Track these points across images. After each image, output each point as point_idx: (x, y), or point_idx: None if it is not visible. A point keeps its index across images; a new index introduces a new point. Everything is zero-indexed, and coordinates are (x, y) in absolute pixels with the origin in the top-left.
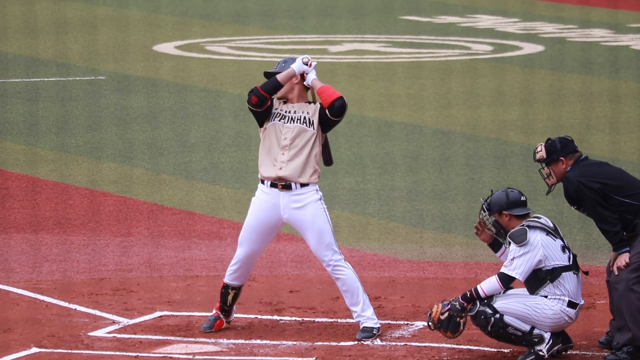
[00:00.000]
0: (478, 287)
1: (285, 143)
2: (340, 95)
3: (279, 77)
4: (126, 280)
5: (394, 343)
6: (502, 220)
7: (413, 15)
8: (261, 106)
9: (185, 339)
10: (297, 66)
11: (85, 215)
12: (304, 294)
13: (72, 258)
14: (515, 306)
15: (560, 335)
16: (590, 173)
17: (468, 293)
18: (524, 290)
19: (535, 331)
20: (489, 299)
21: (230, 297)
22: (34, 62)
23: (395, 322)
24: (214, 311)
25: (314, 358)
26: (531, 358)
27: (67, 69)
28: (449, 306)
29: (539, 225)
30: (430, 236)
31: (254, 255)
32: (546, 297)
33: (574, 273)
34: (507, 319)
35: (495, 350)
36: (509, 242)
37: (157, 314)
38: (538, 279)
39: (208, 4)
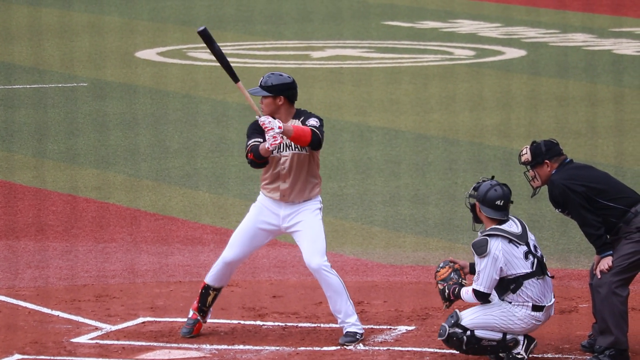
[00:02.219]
0: (462, 291)
1: (284, 172)
2: (311, 135)
3: (261, 150)
4: (108, 287)
5: (376, 347)
6: (477, 208)
7: (394, 21)
8: (265, 165)
9: (168, 345)
10: (270, 144)
11: (67, 222)
12: (286, 299)
13: (54, 264)
14: (483, 318)
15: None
16: (575, 176)
17: (456, 290)
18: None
19: (509, 336)
20: (457, 318)
21: (210, 298)
22: (12, 69)
23: (377, 327)
24: (192, 313)
25: None
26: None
27: (46, 76)
28: (442, 287)
29: (500, 233)
30: (412, 240)
31: (240, 259)
32: (510, 303)
33: (537, 279)
34: (479, 333)
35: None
36: (473, 252)
37: (140, 320)
38: (503, 285)
39: (187, 11)
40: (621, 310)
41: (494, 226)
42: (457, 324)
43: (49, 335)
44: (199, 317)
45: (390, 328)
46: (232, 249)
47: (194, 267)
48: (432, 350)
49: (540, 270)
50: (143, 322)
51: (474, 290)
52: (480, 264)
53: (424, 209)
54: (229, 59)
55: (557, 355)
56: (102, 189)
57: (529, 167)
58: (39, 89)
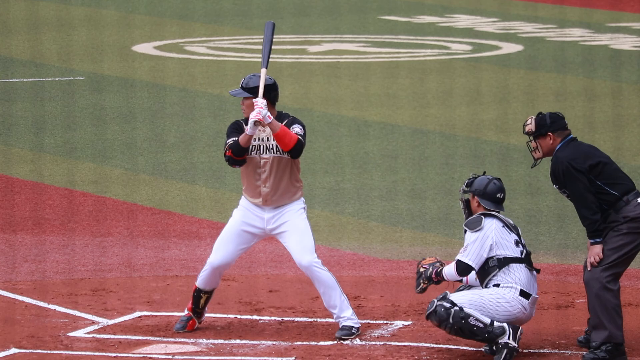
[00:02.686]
0: (445, 268)
1: (265, 175)
2: (296, 142)
3: (241, 141)
4: (105, 281)
5: (373, 342)
6: (472, 203)
7: (392, 15)
8: (243, 163)
9: (165, 339)
10: (250, 128)
11: (64, 216)
12: (283, 294)
13: (51, 258)
14: (470, 297)
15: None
16: (581, 155)
17: (439, 269)
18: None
19: (496, 323)
20: (444, 294)
21: (202, 301)
22: (10, 63)
23: (374, 322)
24: (186, 311)
25: (294, 358)
26: (504, 352)
27: (43, 69)
28: (425, 269)
29: (496, 215)
30: (409, 235)
31: (227, 263)
32: (498, 285)
33: (526, 267)
34: (468, 310)
35: (474, 349)
36: (465, 230)
37: (137, 314)
38: (488, 268)
39: (184, 4)
40: (614, 305)
41: (490, 210)
42: (445, 298)
43: (45, 329)
44: (192, 316)
45: (387, 323)
46: (217, 253)
47: (191, 262)
48: (428, 345)
49: (529, 261)
50: (140, 316)
51: (457, 262)
52: (470, 238)
53: (421, 203)
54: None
55: (553, 351)
56: (99, 182)
57: (531, 137)
58: (36, 83)
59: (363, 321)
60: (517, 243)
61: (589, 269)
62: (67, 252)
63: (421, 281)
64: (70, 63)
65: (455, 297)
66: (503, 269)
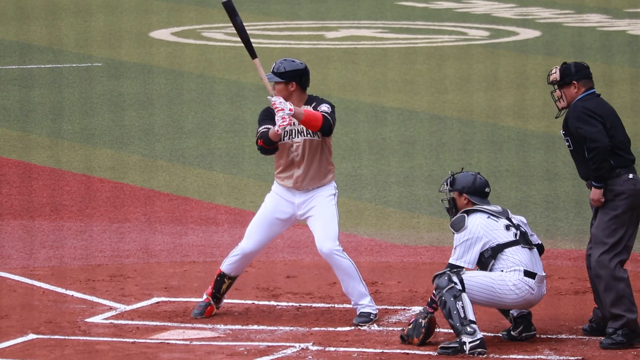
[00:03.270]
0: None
1: (297, 159)
2: (322, 121)
3: (271, 135)
4: (123, 267)
5: (390, 328)
6: (460, 201)
7: (409, 1)
8: (274, 152)
9: (183, 325)
10: (278, 125)
11: (82, 202)
12: (300, 280)
13: (68, 244)
14: (481, 279)
15: (521, 322)
16: (598, 108)
17: (430, 298)
18: None
19: (474, 325)
20: (459, 269)
21: (224, 286)
22: (28, 49)
23: (392, 307)
24: (205, 297)
25: (311, 343)
26: (453, 347)
27: (61, 56)
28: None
29: (478, 209)
30: (427, 221)
31: (258, 249)
32: (502, 271)
33: (523, 247)
34: (464, 296)
35: (492, 335)
36: (452, 232)
37: (154, 300)
38: (485, 259)
39: None
40: (627, 293)
41: (474, 206)
42: (459, 273)
43: (63, 315)
44: (211, 301)
45: (405, 309)
46: (250, 240)
47: (208, 247)
48: (446, 330)
49: (524, 240)
50: (157, 302)
51: (449, 265)
52: (459, 239)
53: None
54: None
55: (571, 336)
56: (116, 169)
57: (556, 86)
58: (54, 69)
59: (380, 307)
60: (507, 227)
61: (592, 205)
62: (84, 238)
63: (420, 320)
64: (88, 49)
65: (469, 276)
66: (498, 255)
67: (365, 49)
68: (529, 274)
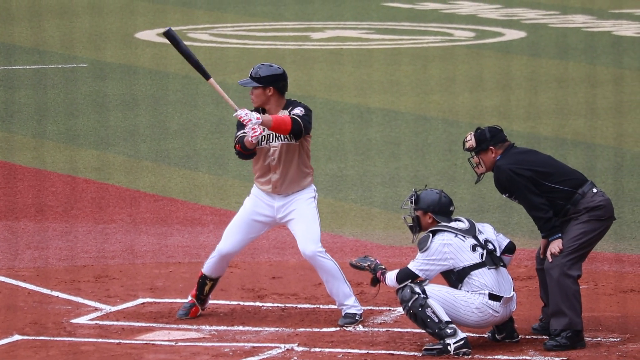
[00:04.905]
0: (387, 275)
1: (274, 164)
2: (292, 124)
3: (245, 141)
4: (108, 267)
5: (375, 329)
6: (424, 219)
7: (394, 2)
8: (252, 157)
9: (168, 326)
10: (250, 137)
11: (66, 203)
12: (285, 281)
13: (53, 245)
14: (444, 295)
15: (504, 330)
16: (521, 161)
17: (386, 270)
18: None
19: (451, 325)
20: (422, 281)
21: (207, 288)
22: (13, 50)
23: (377, 308)
24: (190, 298)
25: (296, 344)
26: (437, 348)
27: (46, 56)
28: (369, 263)
29: (446, 229)
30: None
31: (235, 251)
32: (468, 292)
33: (489, 268)
34: (430, 302)
35: (477, 335)
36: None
37: (139, 300)
38: (453, 281)
39: None
40: (574, 291)
41: (439, 224)
42: (421, 284)
43: (48, 316)
44: (196, 302)
45: (390, 309)
46: (227, 241)
47: (194, 248)
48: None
49: (491, 261)
50: (142, 303)
51: (404, 268)
52: (421, 255)
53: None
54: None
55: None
56: (101, 169)
57: (473, 153)
58: (38, 70)
59: (366, 308)
60: (474, 248)
61: (549, 260)
62: (69, 239)
63: (366, 266)
64: (73, 50)
65: (432, 288)
66: (465, 279)
67: (351, 49)
68: (494, 297)
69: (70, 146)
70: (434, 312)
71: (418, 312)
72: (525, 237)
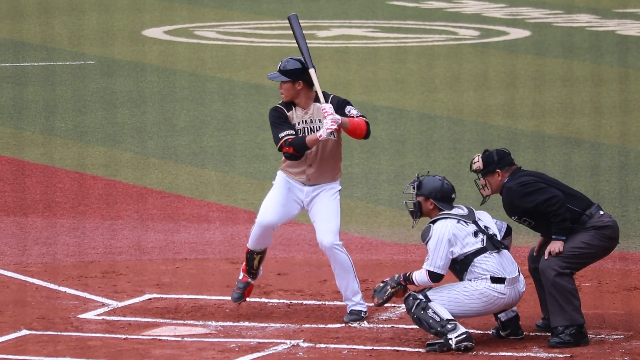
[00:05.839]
0: (413, 274)
1: (311, 156)
2: (366, 128)
3: (308, 142)
4: (115, 263)
5: (380, 325)
6: (426, 205)
7: (400, 1)
8: (301, 158)
9: (174, 322)
10: (325, 136)
11: (74, 199)
12: (291, 277)
13: (61, 241)
14: (446, 293)
15: (509, 326)
16: (530, 180)
17: (408, 273)
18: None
19: (452, 321)
20: (423, 288)
21: (256, 261)
22: (22, 47)
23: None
24: (242, 275)
25: (302, 340)
26: (439, 343)
27: (54, 53)
28: (387, 287)
29: (447, 216)
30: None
31: (275, 222)
32: (470, 280)
33: (491, 253)
34: (432, 304)
35: (481, 332)
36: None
37: (146, 296)
38: (458, 270)
39: None
40: (571, 289)
41: (441, 212)
42: (423, 291)
43: (56, 311)
44: (249, 280)
45: (395, 306)
46: (267, 213)
47: (200, 245)
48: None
49: (492, 245)
50: (149, 299)
51: (428, 272)
52: (430, 248)
53: None
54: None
55: (532, 334)
56: (109, 166)
57: (480, 175)
58: (47, 67)
59: (371, 304)
60: (475, 233)
61: (545, 257)
62: (77, 234)
63: (388, 287)
64: (81, 47)
65: (433, 291)
66: (469, 268)
67: (357, 48)
68: (496, 280)
69: (78, 143)
70: (435, 312)
71: (421, 316)
72: (529, 234)
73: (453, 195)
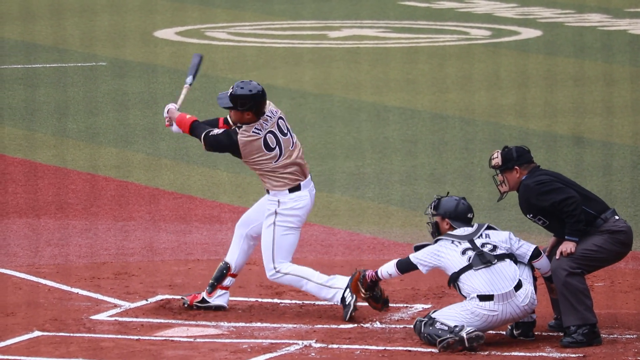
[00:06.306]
0: (380, 268)
1: None
2: (189, 129)
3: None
4: (127, 264)
5: (393, 325)
6: (442, 225)
7: (411, 1)
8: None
9: (187, 322)
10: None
11: (87, 200)
12: None
13: (74, 242)
14: (447, 312)
15: (521, 326)
16: (548, 179)
17: (372, 271)
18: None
19: (460, 325)
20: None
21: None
22: (34, 48)
23: (394, 305)
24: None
25: (314, 340)
26: (451, 335)
27: (66, 55)
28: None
29: (445, 237)
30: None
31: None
32: (465, 299)
33: (476, 269)
34: (437, 317)
35: (494, 332)
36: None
37: (159, 297)
38: (457, 289)
39: None
40: (582, 288)
41: (446, 233)
42: (428, 315)
43: (68, 313)
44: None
45: (407, 306)
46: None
47: (212, 246)
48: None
49: (479, 261)
50: (162, 300)
51: (403, 259)
52: (421, 252)
53: (441, 188)
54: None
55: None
56: (121, 167)
57: (498, 171)
58: (59, 68)
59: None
60: (464, 251)
61: (557, 257)
62: (89, 236)
63: (362, 293)
64: (93, 49)
65: (437, 313)
66: (459, 285)
67: (368, 48)
68: (484, 297)
69: (90, 144)
70: (442, 323)
71: (430, 331)
72: (541, 234)
73: (469, 215)
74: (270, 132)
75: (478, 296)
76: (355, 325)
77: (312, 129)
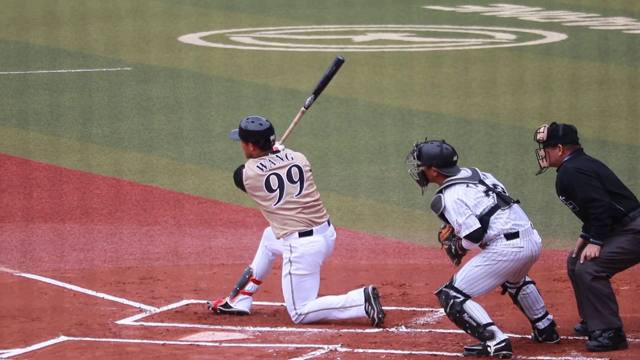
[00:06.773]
0: (462, 241)
1: None
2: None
3: None
4: (152, 269)
5: (418, 330)
6: (429, 173)
7: (436, 5)
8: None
9: (212, 327)
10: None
11: (111, 205)
12: (329, 282)
13: (99, 247)
14: (470, 274)
15: (544, 332)
16: (588, 166)
17: (460, 243)
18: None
19: (489, 327)
20: (451, 280)
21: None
22: (58, 54)
23: (419, 309)
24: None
25: (340, 345)
26: (477, 349)
27: (90, 60)
28: (448, 245)
29: (454, 182)
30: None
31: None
32: (487, 245)
33: (503, 209)
34: (466, 306)
35: (520, 336)
36: (434, 213)
37: (184, 302)
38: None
39: None
40: (607, 292)
41: (447, 179)
42: (452, 285)
43: (94, 317)
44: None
45: (432, 310)
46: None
47: (237, 250)
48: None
49: (503, 201)
50: (187, 304)
51: (465, 237)
52: (451, 216)
53: None
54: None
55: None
56: (146, 172)
57: (541, 145)
58: (83, 73)
59: (408, 309)
60: (486, 192)
61: (581, 261)
62: (114, 240)
63: (453, 258)
64: (117, 54)
65: (460, 279)
66: (487, 230)
67: (392, 52)
68: (511, 235)
69: (114, 149)
70: (470, 317)
71: (457, 320)
72: (567, 238)
73: (454, 158)
74: (276, 174)
75: (505, 235)
76: (381, 329)
77: (337, 133)
